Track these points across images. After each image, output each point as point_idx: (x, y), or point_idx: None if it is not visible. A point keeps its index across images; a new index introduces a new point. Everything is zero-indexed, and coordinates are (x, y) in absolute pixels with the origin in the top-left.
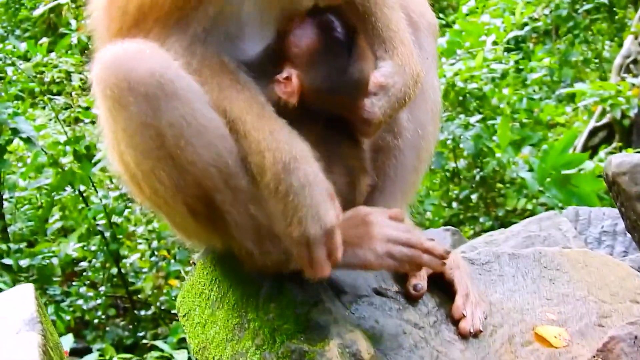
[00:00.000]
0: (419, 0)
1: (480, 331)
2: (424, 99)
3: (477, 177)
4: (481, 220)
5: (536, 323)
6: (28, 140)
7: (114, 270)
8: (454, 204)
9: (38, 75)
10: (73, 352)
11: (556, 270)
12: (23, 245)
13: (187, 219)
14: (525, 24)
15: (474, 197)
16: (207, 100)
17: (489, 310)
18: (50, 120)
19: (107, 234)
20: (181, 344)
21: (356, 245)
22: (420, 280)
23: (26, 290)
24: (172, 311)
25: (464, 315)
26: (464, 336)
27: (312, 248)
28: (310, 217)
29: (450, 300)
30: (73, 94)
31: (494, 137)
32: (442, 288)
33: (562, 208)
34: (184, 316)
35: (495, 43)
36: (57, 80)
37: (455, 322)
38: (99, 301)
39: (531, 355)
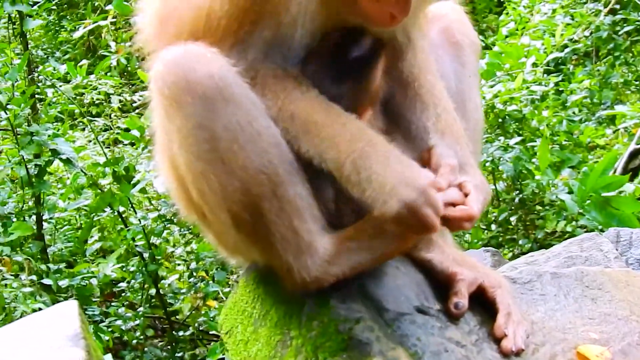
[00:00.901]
0: (461, 21)
1: (522, 350)
2: (466, 118)
3: (517, 199)
4: (520, 242)
5: (578, 342)
6: (68, 162)
7: (153, 291)
8: (493, 226)
9: (78, 97)
10: None
11: (598, 289)
12: (62, 265)
13: (230, 229)
14: (566, 46)
15: (513, 219)
16: (264, 108)
17: (530, 329)
18: (90, 141)
19: (146, 255)
20: None
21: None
22: (461, 298)
23: (70, 307)
24: (211, 332)
25: (506, 334)
26: (505, 355)
27: (417, 211)
28: (401, 185)
29: (492, 319)
30: (112, 115)
31: (534, 159)
32: (484, 306)
33: (602, 230)
34: (227, 333)
35: (535, 65)
36: (97, 102)
37: (497, 340)
38: (137, 322)
39: None
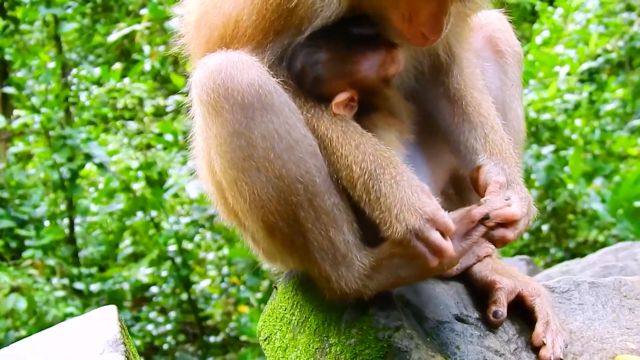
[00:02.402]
0: (506, 30)
1: (561, 359)
2: (507, 128)
3: (549, 208)
4: (552, 251)
5: (616, 352)
6: (101, 166)
7: (184, 296)
8: (525, 235)
9: (111, 101)
10: None
11: (636, 299)
12: (94, 269)
13: (264, 237)
14: (599, 55)
15: (545, 227)
16: (302, 117)
17: (569, 338)
18: (123, 145)
19: (178, 260)
20: None
21: None
22: (500, 307)
23: (109, 312)
24: (242, 337)
25: (545, 343)
26: None
27: (423, 236)
28: (406, 211)
29: (530, 328)
30: (145, 119)
31: (566, 168)
32: (523, 315)
33: (634, 239)
34: (265, 340)
35: (568, 74)
36: (130, 106)
37: (536, 349)
38: (168, 327)
39: None
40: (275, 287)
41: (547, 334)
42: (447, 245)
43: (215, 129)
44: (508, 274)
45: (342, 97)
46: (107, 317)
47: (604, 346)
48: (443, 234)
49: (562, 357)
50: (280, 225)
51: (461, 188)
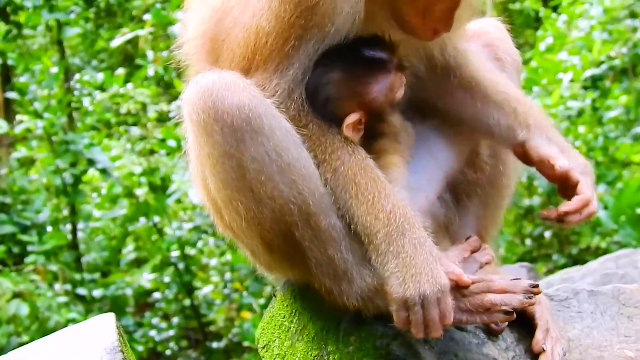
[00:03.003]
0: (504, 39)
1: None
2: None
3: None
4: (554, 257)
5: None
6: (103, 171)
7: (187, 302)
8: (528, 241)
9: (114, 106)
10: None
11: (634, 307)
12: (96, 275)
13: (263, 252)
14: (603, 62)
15: (547, 234)
16: (298, 139)
17: (567, 346)
18: (126, 151)
19: (181, 266)
20: None
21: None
22: None
23: (107, 320)
24: (244, 343)
25: (544, 350)
26: None
27: (426, 308)
28: (425, 276)
29: (529, 336)
30: (148, 125)
31: None
32: (521, 323)
33: (636, 246)
34: (264, 347)
35: (572, 81)
36: (133, 111)
37: (534, 356)
38: (171, 332)
39: None
40: (275, 294)
41: (547, 340)
42: (438, 328)
43: (207, 149)
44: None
45: (352, 118)
46: (105, 325)
47: (602, 354)
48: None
49: None
50: (277, 242)
51: (458, 193)
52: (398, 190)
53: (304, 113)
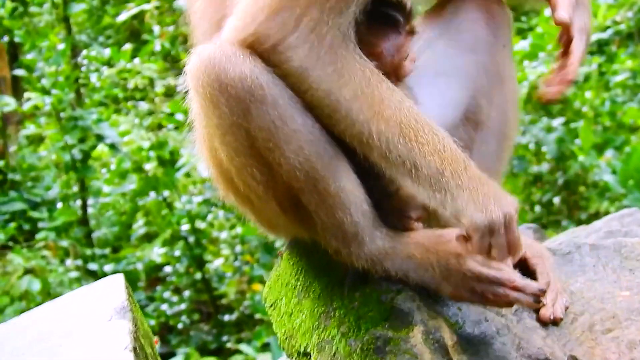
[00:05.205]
0: None
1: (561, 319)
2: (502, 87)
3: (560, 181)
4: (564, 223)
5: (617, 312)
6: (112, 147)
7: (198, 276)
8: (537, 208)
9: (121, 82)
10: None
11: (636, 260)
12: (107, 250)
13: (278, 214)
14: (608, 27)
15: (556, 200)
16: (301, 106)
17: (570, 299)
18: (134, 126)
19: (191, 239)
20: (265, 348)
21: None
22: None
23: (117, 280)
24: (256, 316)
25: (544, 304)
26: (544, 323)
27: (508, 228)
28: (501, 199)
29: None
30: (156, 99)
31: (577, 141)
32: (525, 276)
33: None
34: (271, 306)
35: None
36: (141, 86)
37: (537, 310)
38: (182, 306)
39: (611, 343)
40: (281, 254)
41: (547, 294)
42: (519, 246)
43: (216, 120)
44: None
45: None
46: (114, 286)
47: (604, 306)
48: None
49: (562, 317)
50: (290, 205)
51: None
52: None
53: (341, 60)
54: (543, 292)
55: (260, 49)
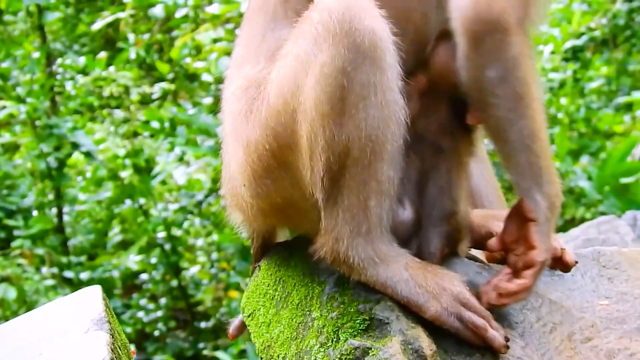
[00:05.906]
0: None
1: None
2: None
3: None
4: None
5: (595, 320)
6: (88, 154)
7: (174, 283)
8: None
9: (97, 90)
10: None
11: (615, 269)
12: (83, 258)
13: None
14: (583, 34)
15: None
16: (401, 84)
17: (548, 309)
18: (109, 134)
19: (167, 247)
20: (242, 355)
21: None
22: None
23: (94, 292)
24: None
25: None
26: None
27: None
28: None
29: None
30: (132, 107)
31: (552, 147)
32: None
33: (620, 216)
34: (249, 316)
35: (552, 52)
36: (116, 94)
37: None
38: (159, 313)
39: (590, 352)
40: (258, 265)
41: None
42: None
43: (325, 58)
44: None
45: None
46: (91, 297)
47: (583, 315)
48: None
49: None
50: (333, 169)
51: None
52: None
53: None
54: (507, 348)
55: (498, 26)
